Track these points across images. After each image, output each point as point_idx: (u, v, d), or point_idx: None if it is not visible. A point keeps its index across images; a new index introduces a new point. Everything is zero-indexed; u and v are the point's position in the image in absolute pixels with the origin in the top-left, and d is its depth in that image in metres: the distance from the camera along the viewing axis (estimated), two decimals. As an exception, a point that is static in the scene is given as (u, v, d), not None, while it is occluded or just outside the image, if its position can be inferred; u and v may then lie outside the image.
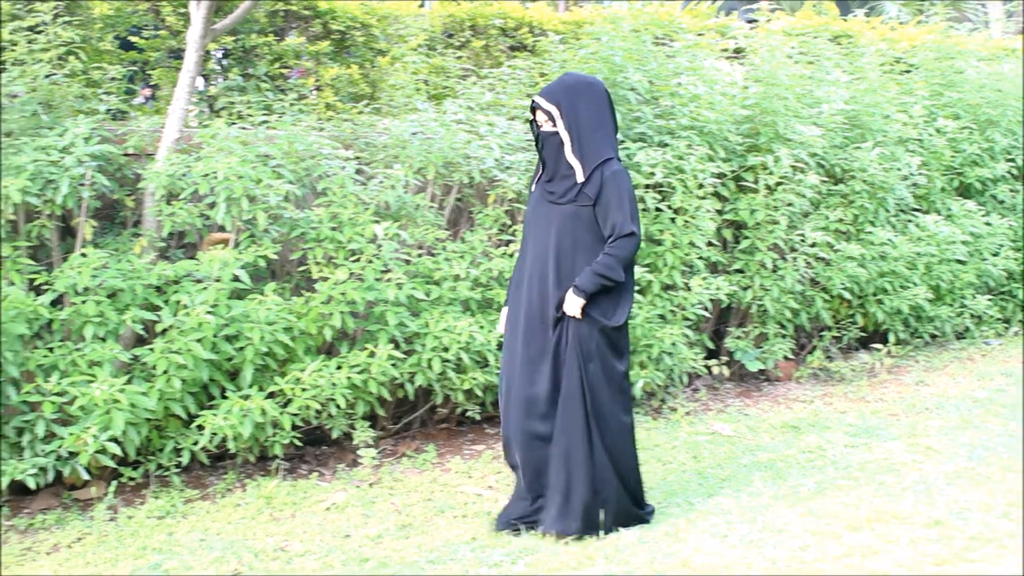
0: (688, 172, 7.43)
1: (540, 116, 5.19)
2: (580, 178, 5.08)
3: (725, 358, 8.06)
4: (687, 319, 7.53)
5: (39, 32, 6.50)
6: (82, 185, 5.98)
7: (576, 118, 5.09)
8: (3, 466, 5.50)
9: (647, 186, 7.41)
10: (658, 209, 7.46)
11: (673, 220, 7.49)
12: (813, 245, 8.10)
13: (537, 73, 8.45)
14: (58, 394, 5.60)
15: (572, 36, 9.44)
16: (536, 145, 5.29)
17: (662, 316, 7.43)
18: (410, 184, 6.77)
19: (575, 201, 5.10)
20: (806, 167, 8.04)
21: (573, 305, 5.06)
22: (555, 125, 5.13)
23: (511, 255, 6.89)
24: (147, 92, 9.47)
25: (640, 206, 7.32)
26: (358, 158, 6.88)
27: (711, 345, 8.13)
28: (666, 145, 7.64)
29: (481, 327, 6.52)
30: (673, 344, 7.28)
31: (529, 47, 10.07)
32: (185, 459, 5.99)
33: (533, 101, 5.20)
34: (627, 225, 5.04)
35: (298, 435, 6.19)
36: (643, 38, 8.09)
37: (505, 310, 5.48)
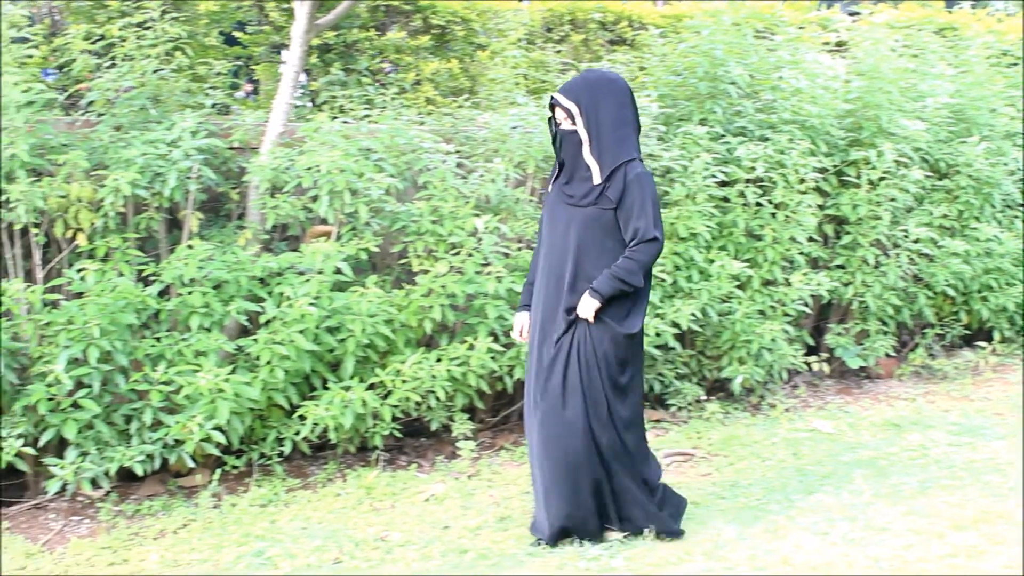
0: (789, 167, 7.36)
1: (559, 114, 4.97)
2: (596, 180, 4.86)
3: (825, 355, 7.97)
4: (787, 315, 7.47)
5: (147, 28, 6.61)
6: (189, 178, 6.08)
7: (596, 117, 4.87)
8: (112, 453, 5.61)
9: (747, 181, 7.37)
10: (758, 204, 7.40)
11: (774, 215, 7.43)
12: (916, 241, 7.98)
13: (637, 67, 8.43)
14: (165, 383, 5.70)
15: (672, 30, 9.40)
16: (554, 144, 5.08)
17: (762, 312, 7.37)
18: (510, 178, 6.78)
19: (596, 204, 4.87)
20: (910, 162, 7.93)
21: (588, 307, 4.86)
22: (574, 124, 4.91)
23: (610, 249, 6.87)
24: (248, 87, 9.61)
25: (740, 201, 7.29)
26: (458, 152, 6.91)
27: (811, 341, 8.06)
28: (767, 139, 7.58)
29: (580, 321, 6.51)
30: (773, 340, 7.22)
31: (628, 41, 10.05)
32: (287, 449, 6.07)
33: (552, 98, 4.99)
34: (650, 230, 4.82)
35: (398, 427, 6.24)
36: (744, 32, 8.03)
37: (521, 315, 5.31)
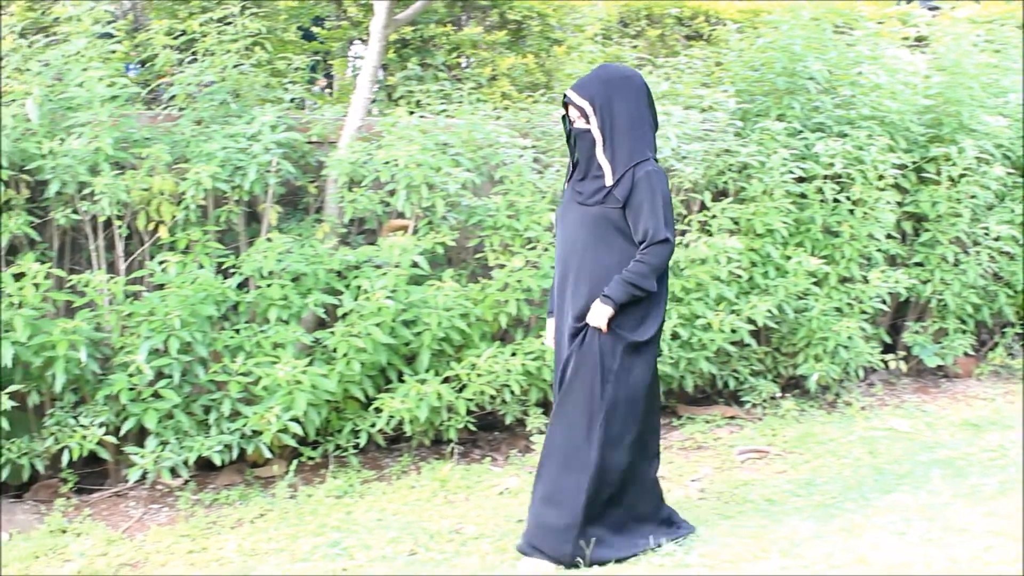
0: (868, 163, 7.29)
1: (573, 112, 4.74)
2: (609, 180, 4.62)
3: (902, 353, 7.89)
4: (864, 312, 7.39)
5: (228, 24, 6.69)
6: (268, 172, 6.15)
7: (610, 115, 4.63)
8: (191, 442, 5.69)
9: (825, 177, 7.30)
10: (836, 200, 7.34)
11: (852, 211, 7.36)
12: (997, 239, 7.87)
13: (713, 63, 8.39)
14: (243, 374, 5.78)
15: (749, 25, 9.33)
16: (568, 142, 4.87)
17: (838, 309, 7.31)
18: (587, 173, 6.77)
19: (603, 203, 4.64)
20: (991, 158, 7.81)
21: (600, 316, 4.62)
22: (588, 122, 4.68)
23: (686, 245, 6.86)
24: (322, 82, 9.69)
25: (818, 197, 7.23)
26: (535, 147, 6.92)
27: (888, 339, 7.97)
28: (845, 135, 7.50)
29: (655, 317, 6.50)
30: (849, 337, 7.16)
31: (705, 37, 9.99)
32: (362, 441, 6.12)
33: (564, 95, 4.77)
34: (660, 231, 4.56)
35: (472, 420, 6.27)
36: (823, 27, 7.96)
37: (549, 321, 5.04)
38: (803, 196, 7.34)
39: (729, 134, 7.30)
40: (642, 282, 4.58)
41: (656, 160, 4.72)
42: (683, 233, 7.10)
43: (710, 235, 7.00)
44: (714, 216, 7.07)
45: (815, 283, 7.23)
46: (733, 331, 6.76)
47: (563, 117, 4.83)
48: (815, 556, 4.69)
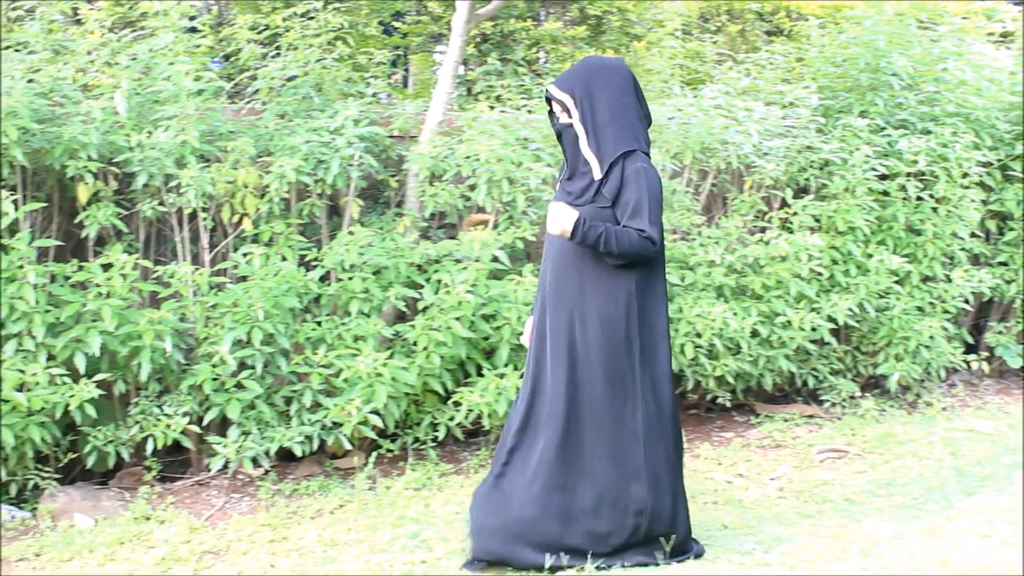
0: (952, 160, 7.21)
1: (557, 107, 4.61)
2: (596, 175, 4.47)
3: (984, 354, 7.80)
4: (946, 312, 7.31)
5: (311, 18, 6.75)
6: (351, 165, 6.19)
7: (591, 107, 4.48)
8: (272, 433, 5.75)
9: (908, 174, 7.23)
10: (919, 198, 7.26)
11: (935, 210, 7.28)
12: (1084, 238, 7.76)
13: (795, 59, 8.33)
14: (324, 366, 5.83)
15: (831, 20, 9.26)
16: (558, 141, 4.71)
17: (920, 308, 7.24)
18: (666, 169, 6.76)
19: (593, 202, 4.48)
20: (1079, 157, 7.70)
21: (560, 221, 4.44)
22: (571, 116, 4.54)
23: (766, 242, 6.83)
24: (397, 76, 9.74)
25: (901, 195, 7.16)
26: (615, 142, 6.91)
27: (970, 340, 7.87)
28: (929, 132, 7.42)
29: (735, 314, 6.48)
30: (931, 337, 7.08)
31: (786, 32, 9.93)
32: (441, 434, 6.15)
33: (546, 91, 4.64)
34: (647, 229, 4.39)
35: (550, 415, 6.27)
36: (907, 22, 7.87)
37: (530, 320, 4.92)
38: (885, 194, 7.28)
39: (811, 130, 7.25)
40: (610, 243, 4.38)
41: (647, 154, 4.56)
42: (763, 230, 7.08)
43: (791, 232, 6.97)
44: (795, 213, 7.04)
45: (897, 282, 7.17)
46: (813, 329, 6.72)
47: (549, 113, 4.72)
48: (896, 557, 4.65)
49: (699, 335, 6.41)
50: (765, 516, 5.31)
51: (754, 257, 6.79)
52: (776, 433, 6.74)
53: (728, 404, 6.91)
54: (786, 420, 6.98)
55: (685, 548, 4.74)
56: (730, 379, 6.63)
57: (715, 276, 6.63)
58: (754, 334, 6.63)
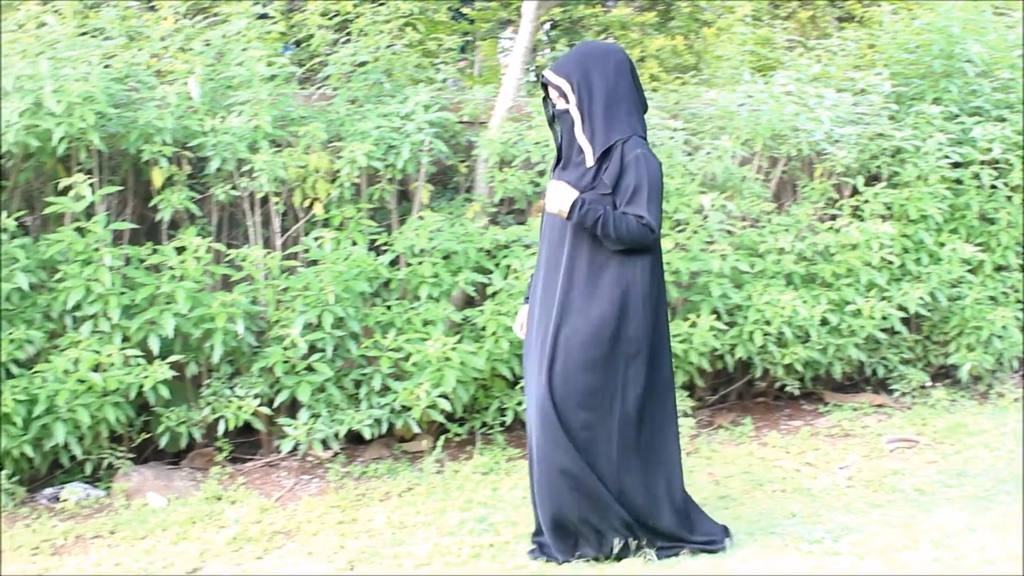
0: (1028, 148, 7.12)
1: (553, 93, 4.47)
2: (589, 161, 4.35)
3: (1059, 344, 7.69)
4: (1020, 302, 7.22)
5: (381, 4, 6.79)
6: (421, 151, 6.22)
7: (588, 92, 4.36)
8: (342, 416, 5.80)
9: (983, 162, 7.15)
10: (993, 186, 7.17)
11: (1010, 198, 7.19)
12: None
13: (866, 45, 8.25)
14: (394, 350, 5.87)
15: (904, 6, 9.16)
16: (551, 127, 4.62)
17: (993, 298, 7.15)
18: (737, 155, 6.73)
19: (593, 188, 4.34)
20: None
21: (559, 200, 4.35)
22: (567, 102, 4.42)
23: (837, 230, 6.79)
24: (463, 63, 9.77)
25: (974, 183, 7.08)
26: (685, 128, 6.89)
27: (1044, 330, 7.77)
28: (1004, 120, 7.33)
29: (804, 301, 6.44)
30: (1004, 327, 6.99)
31: (858, 18, 9.83)
32: (508, 419, 6.17)
33: (542, 76, 4.51)
34: (646, 217, 4.26)
35: (618, 401, 6.27)
36: (981, 8, 7.78)
37: (523, 309, 4.83)
38: (959, 182, 7.19)
39: (883, 118, 7.18)
40: (608, 227, 4.27)
41: (646, 139, 4.46)
42: (833, 218, 7.04)
43: (862, 220, 6.91)
44: (866, 201, 6.98)
45: (969, 271, 7.08)
46: (884, 318, 6.66)
47: (544, 100, 4.60)
48: (967, 549, 4.61)
49: (768, 323, 6.38)
50: (834, 505, 5.27)
51: (824, 245, 6.75)
52: (845, 422, 6.69)
53: (796, 392, 6.87)
54: (855, 409, 6.92)
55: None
56: (799, 367, 6.59)
57: (785, 264, 6.60)
58: (824, 322, 6.58)
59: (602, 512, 4.45)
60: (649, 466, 4.52)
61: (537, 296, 4.58)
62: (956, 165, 7.17)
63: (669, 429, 4.61)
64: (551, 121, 4.58)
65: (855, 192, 7.18)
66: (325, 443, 5.81)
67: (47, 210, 5.66)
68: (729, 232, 6.59)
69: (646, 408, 4.46)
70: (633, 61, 4.56)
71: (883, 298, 6.74)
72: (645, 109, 4.57)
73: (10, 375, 5.39)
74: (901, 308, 6.74)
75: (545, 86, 4.51)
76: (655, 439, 4.54)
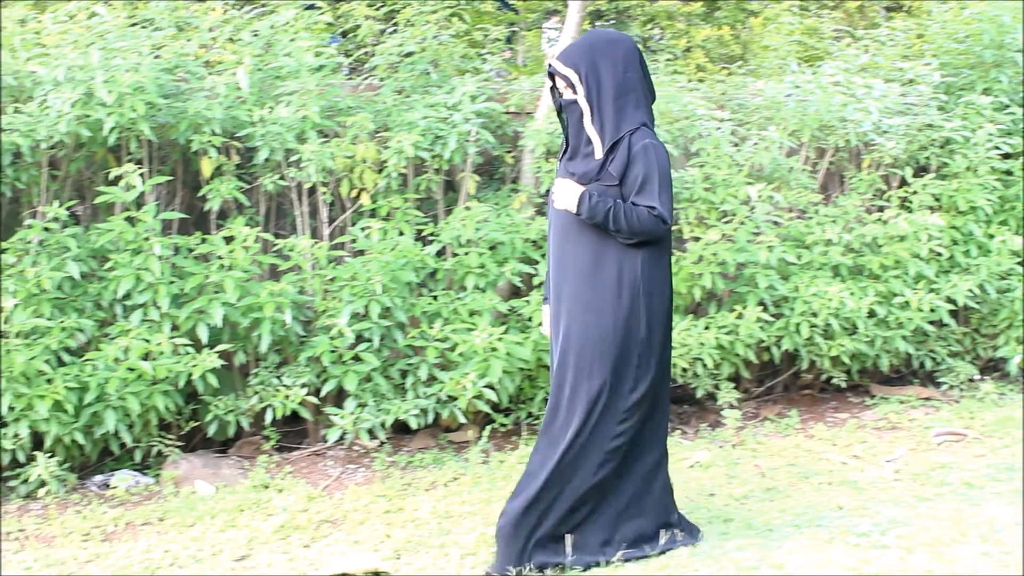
0: (1083, 139, 7.05)
1: (560, 83, 4.37)
2: (598, 154, 4.26)
3: (1109, 337, 7.61)
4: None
5: (428, -6, 6.82)
6: (468, 141, 6.23)
7: (597, 82, 4.26)
8: (388, 405, 5.83)
9: (1035, 155, 7.10)
10: (1049, 179, 7.12)
11: (1064, 191, 7.13)
12: None
13: (915, 35, 8.20)
14: (440, 340, 5.89)
15: (954, -5, 9.10)
16: (559, 118, 4.50)
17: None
18: (784, 146, 6.70)
19: (598, 180, 4.26)
20: None
21: (566, 198, 4.29)
22: (575, 92, 4.31)
23: (885, 222, 6.75)
24: (507, 53, 9.77)
25: (1027, 176, 7.02)
26: (732, 119, 6.87)
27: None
28: (1056, 111, 7.27)
29: (852, 293, 6.41)
30: (1054, 320, 6.94)
31: (906, 7, 9.76)
32: (554, 409, 6.17)
33: (549, 65, 4.41)
34: (657, 208, 4.19)
35: (663, 392, 6.26)
36: (1033, -3, 7.71)
37: (544, 307, 4.72)
38: (1009, 173, 7.14)
39: (932, 108, 7.13)
40: (619, 219, 4.20)
41: (654, 131, 4.36)
42: (881, 209, 7.00)
43: (910, 212, 6.87)
44: (915, 192, 6.93)
45: (1019, 263, 7.01)
46: (932, 310, 6.60)
47: (551, 89, 4.48)
48: (1015, 543, 4.58)
49: (815, 314, 6.35)
50: (881, 498, 5.25)
51: (872, 236, 6.71)
52: (892, 415, 6.66)
53: (843, 385, 6.84)
54: (902, 402, 6.89)
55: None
56: (846, 359, 6.56)
57: (832, 255, 6.56)
58: (871, 314, 6.54)
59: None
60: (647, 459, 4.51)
61: (553, 293, 4.49)
62: (1006, 156, 7.12)
63: (664, 425, 4.59)
64: (559, 111, 4.47)
65: (903, 183, 7.14)
66: (371, 432, 5.84)
67: (98, 199, 5.72)
68: (776, 223, 6.57)
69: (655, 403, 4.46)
70: (642, 50, 4.50)
71: (931, 290, 6.69)
72: (654, 99, 4.47)
73: (61, 363, 5.45)
74: (949, 300, 6.69)
75: (552, 75, 4.41)
76: (656, 435, 4.52)
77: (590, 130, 4.29)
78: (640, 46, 8.20)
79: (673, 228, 6.45)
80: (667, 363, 4.50)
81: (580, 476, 4.38)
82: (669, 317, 4.45)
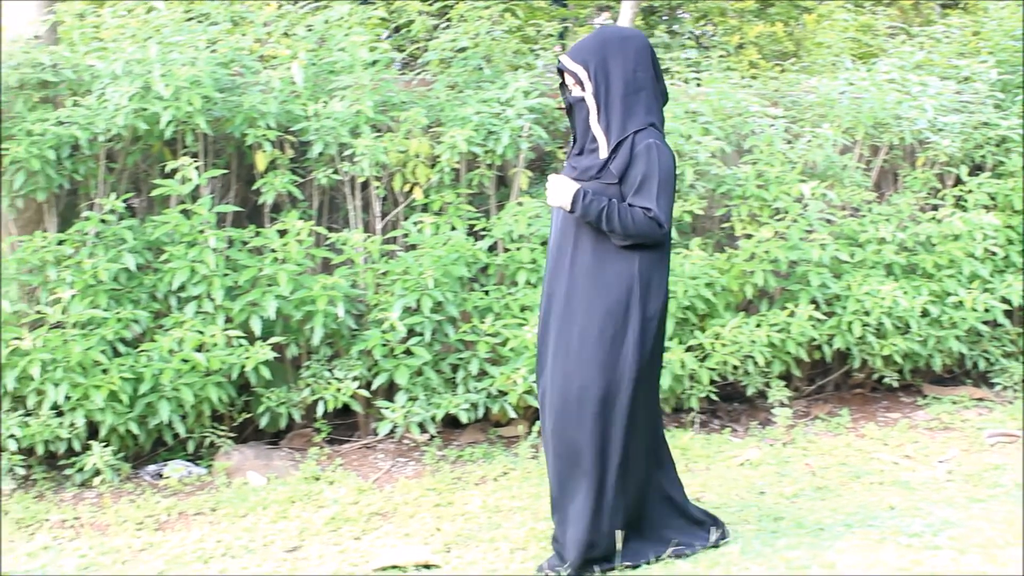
0: None
1: (569, 80, 4.27)
2: (603, 153, 4.17)
3: None
4: None
5: (482, -11, 6.84)
6: (520, 137, 6.24)
7: (606, 80, 4.15)
8: (439, 399, 5.85)
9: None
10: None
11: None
12: None
13: (971, 32, 8.13)
14: (491, 335, 5.90)
15: (1011, -8, 9.02)
16: (568, 114, 4.38)
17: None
18: (838, 144, 6.67)
19: (598, 178, 4.17)
20: None
21: (560, 195, 4.20)
22: (583, 89, 4.21)
23: (939, 221, 6.70)
24: (559, 49, 9.76)
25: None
26: (785, 116, 6.84)
27: None
28: (1114, 110, 7.18)
29: (905, 292, 6.37)
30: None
31: (962, 4, 9.67)
32: (604, 405, 6.16)
33: (558, 61, 4.31)
34: (653, 211, 4.07)
35: (713, 390, 6.25)
36: (1092, -7, 7.64)
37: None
38: (1067, 171, 7.07)
39: (988, 106, 7.08)
40: (612, 219, 4.09)
41: (662, 132, 4.24)
42: (936, 208, 6.95)
43: (965, 210, 6.82)
44: (970, 191, 6.89)
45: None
46: (986, 310, 6.56)
47: (560, 85, 4.38)
48: (1072, 546, 4.54)
49: (867, 313, 6.32)
50: (933, 499, 5.21)
51: (926, 235, 6.67)
52: (944, 415, 6.61)
53: (895, 384, 6.79)
54: (954, 402, 6.83)
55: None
56: (898, 359, 6.52)
57: (885, 254, 6.53)
58: (924, 314, 6.50)
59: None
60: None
61: (546, 291, 4.38)
62: (1064, 154, 7.04)
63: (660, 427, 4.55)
64: (568, 109, 4.35)
65: (958, 182, 7.08)
66: (422, 426, 5.86)
67: (154, 192, 5.79)
68: (829, 221, 6.55)
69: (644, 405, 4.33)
70: (654, 48, 4.38)
71: (986, 290, 6.64)
72: (666, 100, 4.36)
73: (117, 353, 5.51)
74: (1004, 300, 6.64)
75: (562, 72, 4.31)
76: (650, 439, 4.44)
77: (596, 128, 4.20)
78: (691, 43, 8.25)
79: (726, 225, 6.47)
80: (656, 375, 4.40)
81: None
82: (663, 322, 4.32)
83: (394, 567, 4.50)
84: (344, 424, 6.25)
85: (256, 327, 5.62)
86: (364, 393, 5.84)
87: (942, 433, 6.34)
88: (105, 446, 5.39)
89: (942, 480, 5.53)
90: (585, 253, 4.23)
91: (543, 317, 4.40)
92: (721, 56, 7.35)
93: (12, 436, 5.26)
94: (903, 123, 6.81)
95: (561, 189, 4.21)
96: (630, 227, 4.09)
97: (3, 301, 5.41)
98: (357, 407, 5.92)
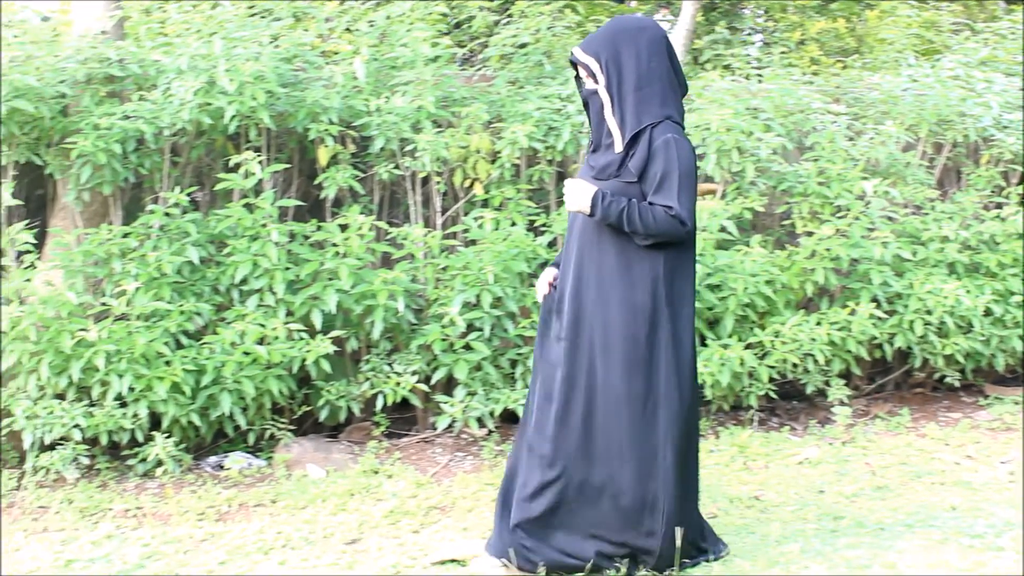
0: None
1: (583, 72, 4.15)
2: (618, 147, 4.04)
3: None
4: None
5: (544, -15, 6.84)
6: (581, 133, 6.24)
7: (618, 72, 4.02)
8: (497, 394, 5.86)
9: None
10: None
11: None
12: None
13: (1036, 28, 8.05)
14: (550, 331, 5.90)
15: (1078, -12, 8.93)
16: (585, 109, 4.26)
17: None
18: (901, 141, 6.62)
19: (618, 176, 4.04)
20: None
21: (578, 198, 4.06)
22: (596, 82, 4.09)
23: (1003, 219, 6.64)
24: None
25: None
26: (847, 113, 6.80)
27: None
28: None
29: (967, 291, 6.31)
30: None
31: (1029, 0, 9.58)
32: (661, 402, 6.15)
33: (571, 54, 4.19)
34: (675, 208, 3.95)
35: (773, 387, 6.23)
36: None
37: (549, 270, 4.47)
38: None
39: (1048, 103, 7.00)
40: (634, 221, 3.96)
41: (681, 125, 4.12)
42: (1000, 206, 6.88)
43: (1030, 209, 6.75)
44: (1035, 189, 6.82)
45: None
46: (1036, 307, 6.50)
47: (576, 79, 4.27)
48: None
49: (929, 312, 6.27)
50: (996, 499, 5.17)
51: (990, 234, 6.60)
52: (1007, 416, 6.54)
53: (956, 384, 6.73)
54: (1017, 403, 6.76)
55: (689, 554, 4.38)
56: (960, 358, 6.46)
57: (948, 252, 6.47)
58: (987, 313, 6.44)
59: None
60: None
61: (566, 292, 4.22)
62: None
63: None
64: (584, 103, 4.23)
65: (1023, 180, 7.01)
66: (480, 421, 5.87)
67: (217, 186, 5.84)
68: (891, 219, 6.50)
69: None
70: (669, 38, 4.24)
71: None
72: (685, 91, 4.22)
73: (180, 346, 5.58)
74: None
75: (575, 64, 4.20)
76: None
77: (610, 121, 4.07)
78: (749, 40, 8.22)
79: (786, 223, 6.43)
80: (688, 372, 4.24)
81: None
82: (691, 324, 4.22)
83: (452, 560, 4.51)
84: (403, 418, 6.27)
85: (317, 321, 5.66)
86: (423, 387, 5.86)
87: (1004, 434, 6.28)
88: (167, 437, 5.45)
89: (1004, 481, 5.48)
90: (608, 254, 4.10)
91: (571, 318, 4.19)
92: (783, 52, 7.32)
93: (77, 426, 5.32)
94: (967, 120, 6.75)
95: (579, 193, 4.09)
96: (652, 226, 3.97)
97: (69, 292, 5.48)
98: (416, 401, 5.95)
